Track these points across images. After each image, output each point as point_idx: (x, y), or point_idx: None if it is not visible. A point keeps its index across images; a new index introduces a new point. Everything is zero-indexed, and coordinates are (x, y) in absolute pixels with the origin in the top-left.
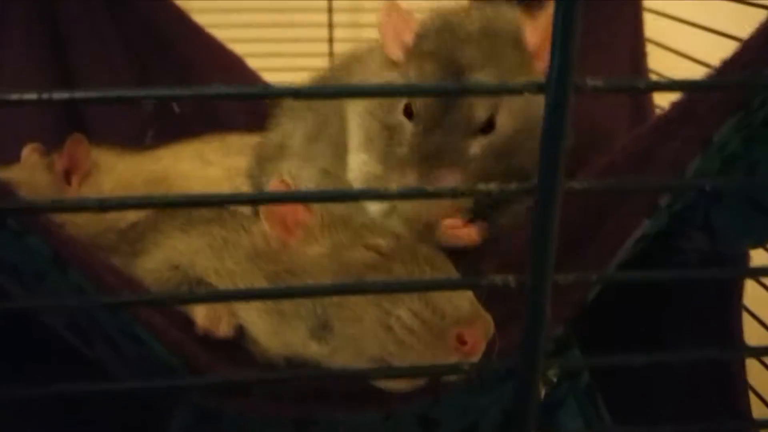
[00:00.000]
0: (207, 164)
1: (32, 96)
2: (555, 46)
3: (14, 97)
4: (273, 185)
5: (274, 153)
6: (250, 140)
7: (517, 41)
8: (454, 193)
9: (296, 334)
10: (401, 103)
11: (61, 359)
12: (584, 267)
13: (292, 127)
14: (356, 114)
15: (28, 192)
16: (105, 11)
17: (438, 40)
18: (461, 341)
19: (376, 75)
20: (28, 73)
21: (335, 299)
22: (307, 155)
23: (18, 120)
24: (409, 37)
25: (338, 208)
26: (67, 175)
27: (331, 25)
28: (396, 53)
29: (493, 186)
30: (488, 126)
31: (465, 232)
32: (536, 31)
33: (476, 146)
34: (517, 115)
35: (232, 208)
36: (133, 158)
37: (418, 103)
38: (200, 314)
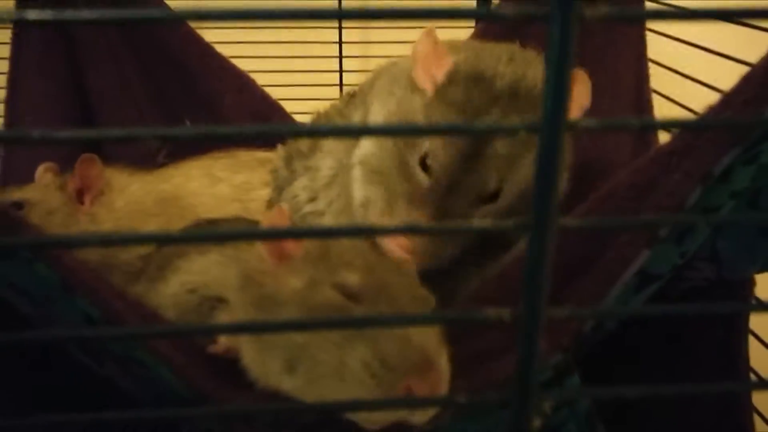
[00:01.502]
0: (216, 181)
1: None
2: (548, 85)
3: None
4: (271, 217)
5: (306, 148)
6: (260, 156)
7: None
8: (452, 230)
9: (273, 363)
10: (419, 150)
11: (73, 375)
12: (581, 298)
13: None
14: (372, 142)
15: (42, 212)
16: (120, 36)
17: (466, 93)
18: (409, 394)
19: (402, 92)
20: (45, 98)
21: (299, 340)
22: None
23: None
24: (440, 74)
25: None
26: (80, 195)
27: (341, 56)
28: (425, 84)
29: (488, 222)
30: (495, 195)
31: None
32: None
33: (480, 214)
34: (521, 185)
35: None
36: (145, 178)
37: (436, 163)
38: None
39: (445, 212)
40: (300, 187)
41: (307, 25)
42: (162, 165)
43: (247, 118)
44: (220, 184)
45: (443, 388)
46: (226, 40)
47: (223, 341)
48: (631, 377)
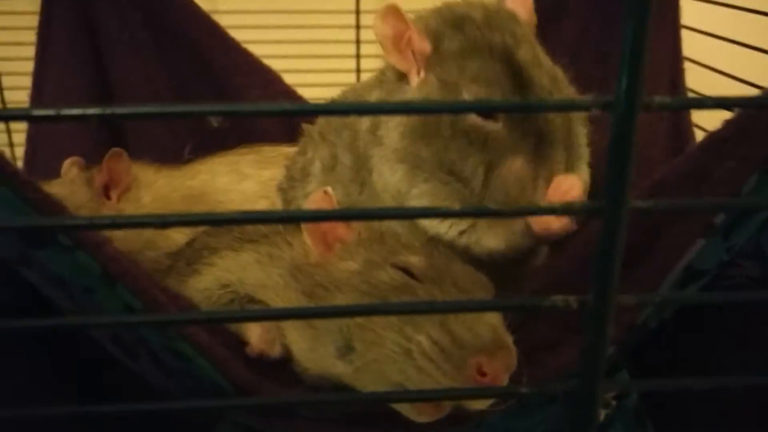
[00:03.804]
0: (243, 178)
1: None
2: (624, 62)
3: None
4: (315, 199)
5: (299, 175)
6: (286, 151)
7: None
8: (512, 212)
9: (326, 351)
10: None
11: (106, 371)
12: (637, 287)
13: (311, 155)
14: (395, 141)
15: (69, 207)
16: (144, 31)
17: (467, 35)
18: (480, 372)
19: (392, 95)
20: (69, 92)
21: (358, 320)
22: (326, 182)
23: (59, 134)
24: (422, 43)
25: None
26: (107, 190)
27: (358, 41)
28: (407, 64)
29: (557, 205)
30: None
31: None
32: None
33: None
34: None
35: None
36: (171, 174)
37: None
38: (254, 335)
39: (546, 132)
40: (315, 180)
41: (324, 9)
42: (187, 161)
43: (273, 119)
44: (247, 180)
45: (512, 367)
46: (243, 25)
47: (255, 343)
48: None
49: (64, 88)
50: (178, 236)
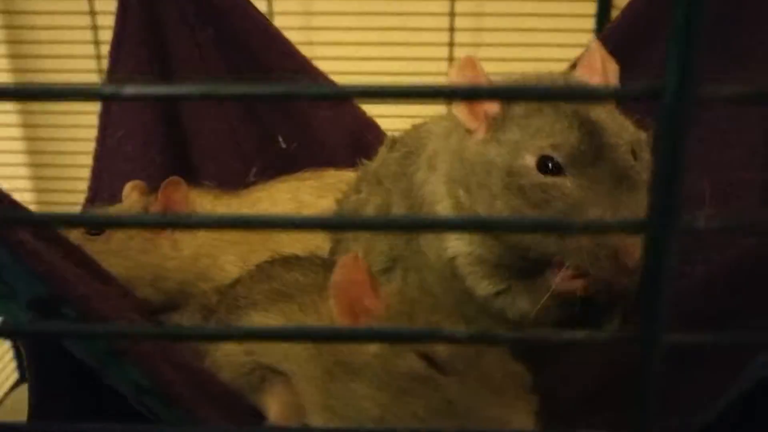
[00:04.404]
0: (301, 206)
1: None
2: (674, 40)
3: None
4: (344, 263)
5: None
6: (347, 177)
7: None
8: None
9: None
10: (527, 163)
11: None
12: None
13: (365, 196)
14: (452, 193)
15: (122, 235)
16: (214, 46)
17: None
18: None
19: (454, 147)
20: (138, 106)
21: (377, 410)
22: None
23: (124, 156)
24: (492, 106)
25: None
26: None
27: (452, 29)
28: (475, 122)
29: (593, 221)
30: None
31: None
32: (594, 70)
33: (641, 167)
34: (639, 145)
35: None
36: (230, 202)
37: (563, 153)
38: (273, 410)
39: (620, 177)
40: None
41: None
42: (252, 183)
43: (341, 134)
44: (304, 209)
45: None
46: (337, 11)
47: (273, 420)
48: None
49: (133, 105)
50: (232, 268)
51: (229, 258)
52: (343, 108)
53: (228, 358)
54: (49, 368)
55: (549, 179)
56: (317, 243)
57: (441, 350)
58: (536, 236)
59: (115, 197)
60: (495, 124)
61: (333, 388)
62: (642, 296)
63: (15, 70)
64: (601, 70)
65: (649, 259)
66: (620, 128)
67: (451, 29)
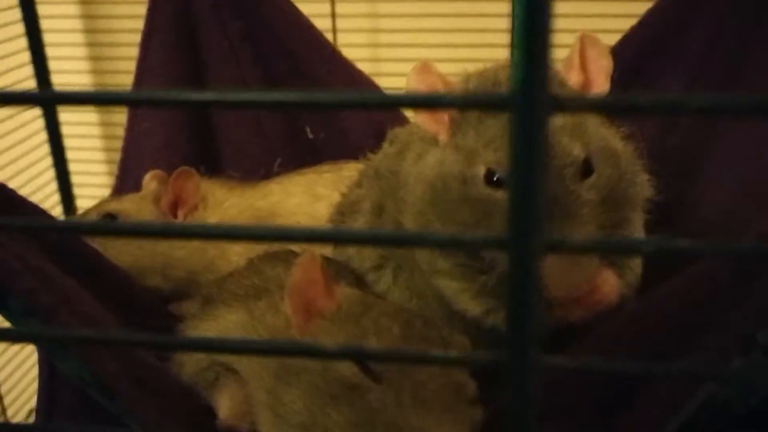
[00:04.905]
0: (316, 200)
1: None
2: (518, 50)
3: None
4: (301, 262)
5: (348, 210)
6: None
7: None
8: (405, 240)
9: None
10: (477, 173)
11: None
12: None
13: (365, 191)
14: (420, 195)
15: (133, 220)
16: (243, 37)
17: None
18: None
19: (420, 156)
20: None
21: (307, 416)
22: (372, 225)
23: (151, 146)
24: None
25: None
26: (174, 209)
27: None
28: (435, 126)
29: (454, 236)
30: (587, 170)
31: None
32: (573, 67)
33: (587, 189)
34: (607, 158)
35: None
36: (243, 193)
37: (502, 168)
38: (223, 409)
39: (555, 206)
40: (361, 219)
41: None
42: (276, 174)
43: (367, 126)
44: (319, 202)
45: None
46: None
47: (225, 416)
48: None
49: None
50: (239, 260)
51: (237, 249)
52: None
53: (188, 355)
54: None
55: (491, 192)
56: None
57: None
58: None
59: (140, 186)
60: (454, 126)
61: (276, 390)
62: (509, 316)
63: (94, 71)
64: (578, 67)
65: (514, 277)
66: (572, 141)
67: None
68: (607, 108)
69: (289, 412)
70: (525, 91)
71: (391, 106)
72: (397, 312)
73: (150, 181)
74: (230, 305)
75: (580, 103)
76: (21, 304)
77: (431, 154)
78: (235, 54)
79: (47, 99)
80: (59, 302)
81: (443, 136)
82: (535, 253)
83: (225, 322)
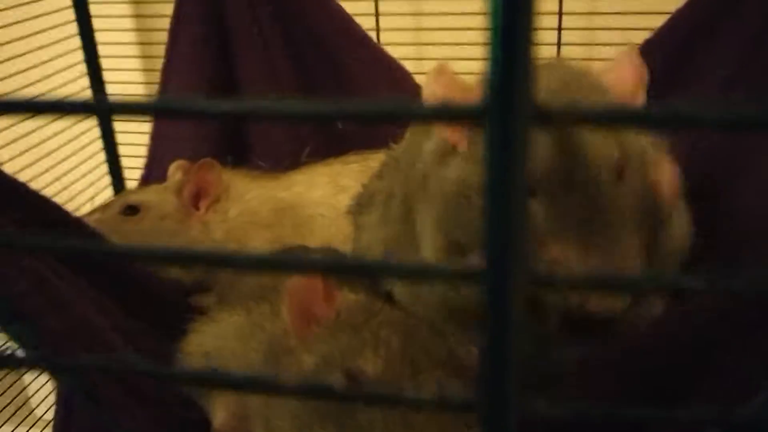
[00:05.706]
0: (339, 191)
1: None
2: (494, 51)
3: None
4: (295, 284)
5: (365, 201)
6: None
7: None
8: (374, 269)
9: None
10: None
11: None
12: None
13: (386, 182)
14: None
15: (155, 216)
16: (273, 21)
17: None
18: None
19: (439, 165)
20: (195, 85)
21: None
22: (383, 217)
23: (179, 136)
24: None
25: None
26: (196, 200)
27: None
28: (454, 137)
29: (431, 267)
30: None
31: None
32: (619, 78)
33: (624, 191)
34: (638, 168)
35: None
36: (266, 184)
37: (538, 173)
38: (218, 418)
39: (590, 216)
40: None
41: None
42: (304, 164)
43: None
44: (342, 193)
45: None
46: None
47: (218, 427)
48: None
49: (190, 84)
50: None
51: (257, 244)
52: (402, 86)
53: (187, 361)
54: None
55: None
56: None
57: (369, 371)
58: None
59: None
60: (474, 135)
61: (271, 399)
62: (482, 357)
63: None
64: (630, 79)
65: (491, 313)
66: (606, 142)
67: (559, 29)
68: (605, 120)
69: (282, 423)
70: (502, 99)
71: (351, 118)
72: (401, 321)
73: (175, 171)
74: (234, 307)
75: (571, 114)
76: (8, 308)
77: (452, 165)
78: (264, 38)
79: (105, 109)
80: (48, 306)
81: (462, 146)
82: (515, 288)
83: (225, 326)
